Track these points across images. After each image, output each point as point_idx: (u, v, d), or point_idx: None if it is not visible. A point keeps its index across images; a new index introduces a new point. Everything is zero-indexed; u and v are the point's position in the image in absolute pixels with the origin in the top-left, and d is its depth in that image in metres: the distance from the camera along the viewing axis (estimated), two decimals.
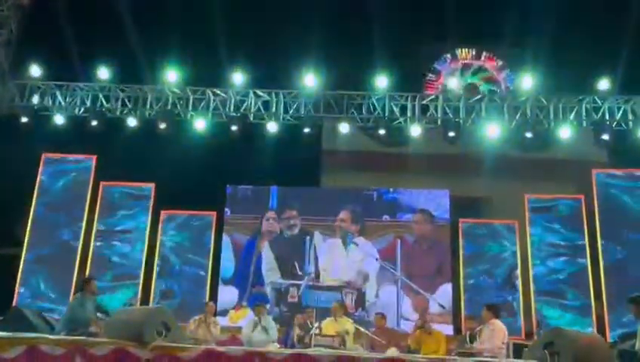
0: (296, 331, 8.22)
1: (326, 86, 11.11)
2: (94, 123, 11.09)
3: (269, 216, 11.80)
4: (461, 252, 10.99)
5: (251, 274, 11.47)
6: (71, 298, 9.04)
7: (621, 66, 10.46)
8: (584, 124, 10.91)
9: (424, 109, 11.21)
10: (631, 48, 10.28)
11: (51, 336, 5.38)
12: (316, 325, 7.39)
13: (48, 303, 10.47)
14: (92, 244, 11.01)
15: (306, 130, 11.09)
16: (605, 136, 10.63)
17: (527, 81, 10.80)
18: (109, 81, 11.19)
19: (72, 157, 11.42)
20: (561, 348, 4.92)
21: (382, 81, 10.86)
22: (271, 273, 11.34)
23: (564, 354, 4.87)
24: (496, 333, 7.05)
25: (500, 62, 13.76)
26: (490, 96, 11.43)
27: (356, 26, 11.95)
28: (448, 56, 13.64)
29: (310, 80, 10.88)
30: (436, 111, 11.13)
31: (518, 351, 8.28)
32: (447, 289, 11.00)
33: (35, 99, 11.29)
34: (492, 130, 10.91)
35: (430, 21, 12.79)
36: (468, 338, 7.58)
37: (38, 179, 11.20)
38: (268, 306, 10.17)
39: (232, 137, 11.11)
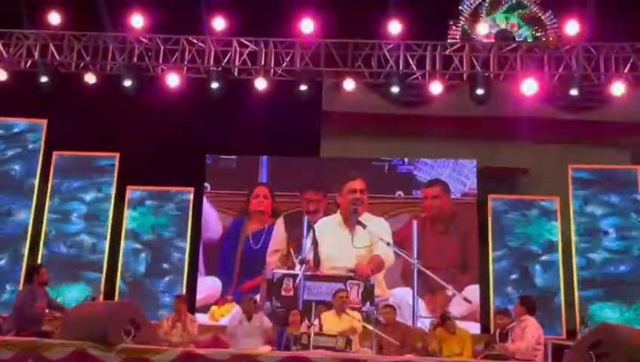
0: (292, 330, 8.29)
1: (327, 33, 11.01)
2: (44, 79, 11.00)
3: (258, 192, 11.81)
4: (490, 234, 11.03)
5: (238, 262, 11.54)
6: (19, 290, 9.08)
7: None
8: None
9: (447, 61, 11.13)
10: None
11: None
12: (315, 322, 7.44)
13: None
14: (44, 227, 11.04)
15: (303, 87, 11.01)
16: None
17: (573, 26, 10.71)
18: (62, 28, 11.08)
19: (17, 121, 11.37)
20: (610, 349, 4.95)
21: (395, 27, 10.77)
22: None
23: (614, 355, 4.90)
24: (527, 331, 7.14)
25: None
26: (527, 45, 11.34)
27: None
28: None
29: (307, 26, 10.79)
30: (461, 63, 11.06)
31: (558, 352, 8.36)
32: (474, 281, 11.09)
33: None
34: (529, 87, 10.85)
35: None
36: (498, 338, 7.67)
37: None
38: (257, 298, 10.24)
39: (212, 96, 11.05)
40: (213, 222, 11.74)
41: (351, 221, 11.52)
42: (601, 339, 5.09)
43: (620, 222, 10.74)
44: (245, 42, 11.15)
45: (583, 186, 10.93)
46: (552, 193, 11.21)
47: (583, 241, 10.73)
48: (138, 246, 11.20)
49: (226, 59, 11.16)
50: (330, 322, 7.73)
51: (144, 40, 11.12)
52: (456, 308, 10.80)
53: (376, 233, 11.33)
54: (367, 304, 10.78)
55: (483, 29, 11.86)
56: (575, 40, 10.75)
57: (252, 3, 11.16)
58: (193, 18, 11.02)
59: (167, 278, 11.04)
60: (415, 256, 11.17)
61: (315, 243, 11.37)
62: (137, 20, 10.86)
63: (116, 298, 10.76)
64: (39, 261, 10.62)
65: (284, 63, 11.14)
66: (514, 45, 11.22)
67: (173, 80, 11.12)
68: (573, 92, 10.78)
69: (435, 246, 11.40)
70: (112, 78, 11.18)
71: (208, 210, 11.72)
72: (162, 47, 11.16)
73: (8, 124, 11.33)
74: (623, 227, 10.71)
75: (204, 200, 11.74)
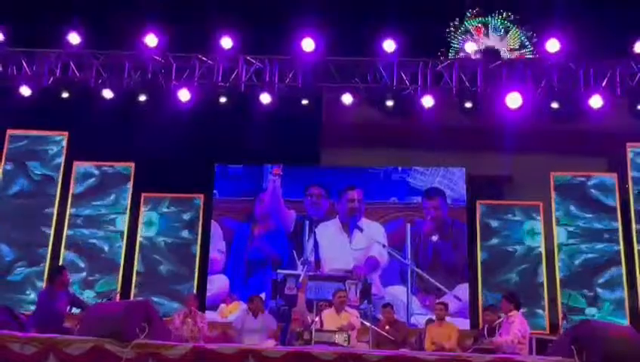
0: (294, 326, 8.27)
1: (326, 51, 11.00)
2: (65, 95, 11.01)
3: (263, 198, 11.82)
4: (478, 237, 11.01)
5: (245, 264, 11.52)
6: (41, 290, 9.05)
7: None
8: (618, 92, 10.84)
9: (438, 77, 11.12)
10: None
11: (21, 334, 5.40)
12: (316, 319, 7.42)
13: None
14: (65, 232, 11.02)
15: (304, 101, 11.03)
16: None
17: (554, 44, 10.70)
18: (82, 47, 11.08)
19: (40, 133, 11.38)
20: (589, 343, 4.93)
21: (390, 45, 10.75)
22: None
23: (593, 349, 4.88)
24: (514, 326, 7.10)
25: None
26: (510, 61, 11.34)
27: None
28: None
29: (308, 44, 10.78)
30: (451, 79, 11.04)
31: (542, 346, 8.33)
32: (463, 281, 11.08)
33: None
34: (513, 101, 10.83)
35: None
36: (486, 332, 7.63)
37: (2, 158, 11.16)
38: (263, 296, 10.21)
39: (220, 110, 11.05)
40: (218, 236, 11.71)
41: (349, 225, 11.56)
42: (581, 334, 5.08)
43: (597, 225, 10.73)
44: (251, 60, 11.14)
45: (563, 192, 10.93)
46: (535, 198, 11.19)
47: (564, 243, 10.72)
48: (152, 248, 11.19)
49: (233, 76, 11.15)
50: (331, 319, 7.71)
51: (158, 58, 11.12)
52: (449, 303, 10.79)
53: (373, 236, 11.41)
54: (365, 302, 10.78)
55: (471, 47, 11.85)
56: (555, 56, 10.74)
57: (258, 24, 11.15)
58: (203, 38, 11.02)
59: (179, 278, 11.02)
60: (408, 257, 11.19)
61: (316, 245, 11.39)
62: (151, 40, 10.84)
63: (131, 297, 10.74)
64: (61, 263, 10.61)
65: (287, 79, 11.14)
66: (498, 62, 11.22)
67: (184, 95, 11.10)
68: (554, 105, 10.79)
69: (430, 247, 11.41)
70: (128, 93, 11.20)
71: (214, 225, 11.69)
72: (174, 65, 11.14)
73: (32, 136, 11.35)
74: (599, 229, 10.70)
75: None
